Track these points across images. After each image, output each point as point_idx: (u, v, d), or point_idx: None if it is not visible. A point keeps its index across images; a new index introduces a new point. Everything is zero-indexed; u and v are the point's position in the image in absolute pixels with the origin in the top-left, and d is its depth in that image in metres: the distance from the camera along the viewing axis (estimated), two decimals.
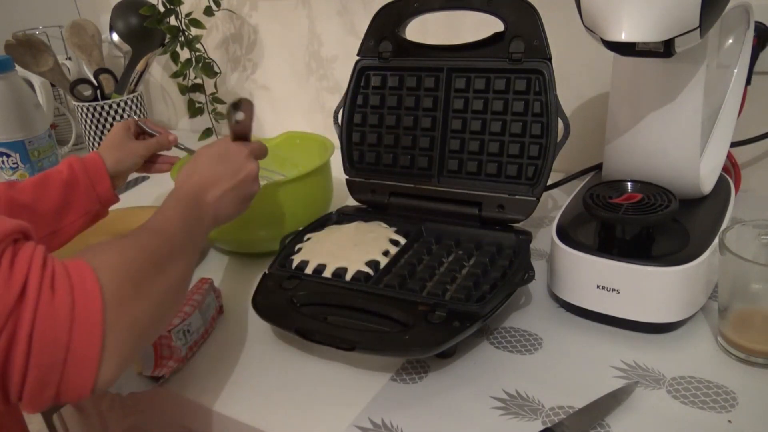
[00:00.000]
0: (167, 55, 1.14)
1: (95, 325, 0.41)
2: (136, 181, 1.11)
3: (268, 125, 1.34)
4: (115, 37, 1.22)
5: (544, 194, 0.80)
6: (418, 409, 0.53)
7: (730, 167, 0.82)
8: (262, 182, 0.83)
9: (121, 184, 0.81)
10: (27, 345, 0.39)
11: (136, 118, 0.85)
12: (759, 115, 0.81)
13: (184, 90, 1.18)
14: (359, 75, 0.79)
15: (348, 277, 0.65)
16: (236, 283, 0.77)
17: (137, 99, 1.20)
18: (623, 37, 0.54)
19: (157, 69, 1.47)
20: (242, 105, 0.65)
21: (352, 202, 0.82)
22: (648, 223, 0.60)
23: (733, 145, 0.78)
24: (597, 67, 0.91)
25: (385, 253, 0.68)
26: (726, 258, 0.54)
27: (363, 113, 0.80)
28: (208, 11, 1.15)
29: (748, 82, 0.75)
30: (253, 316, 0.63)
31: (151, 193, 1.06)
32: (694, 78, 0.62)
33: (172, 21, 1.12)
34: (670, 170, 0.67)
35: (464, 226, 0.72)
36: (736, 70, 0.73)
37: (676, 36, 0.53)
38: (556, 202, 0.90)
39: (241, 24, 1.27)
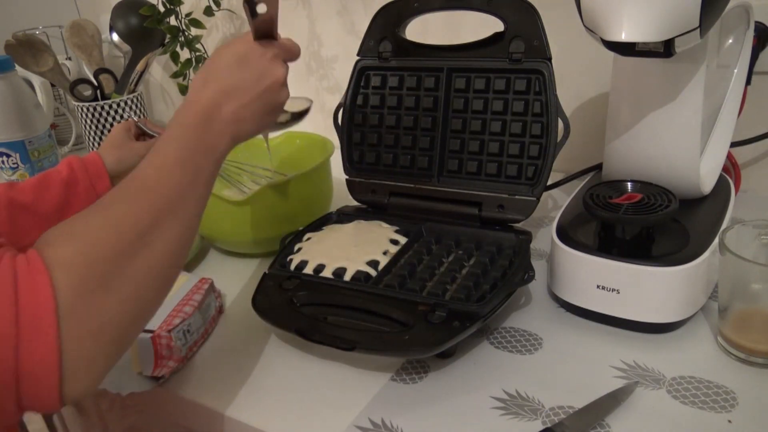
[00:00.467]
0: (167, 55, 1.15)
1: (47, 338, 0.36)
2: None
3: None
4: (115, 37, 1.22)
5: (544, 194, 0.80)
6: (418, 409, 0.53)
7: (730, 167, 0.82)
8: (260, 184, 0.83)
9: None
10: None
11: (135, 119, 0.85)
12: (759, 115, 0.81)
13: (184, 90, 1.18)
14: (359, 75, 0.79)
15: (348, 277, 0.65)
16: (236, 283, 0.77)
17: (137, 99, 1.20)
18: (623, 37, 0.54)
19: (157, 69, 1.47)
20: None
21: (352, 202, 0.82)
22: (648, 223, 0.60)
23: (733, 145, 0.78)
24: (597, 67, 0.91)
25: (385, 253, 0.68)
26: (726, 258, 0.54)
27: (363, 113, 0.80)
28: (208, 11, 1.15)
29: (748, 82, 0.75)
30: (253, 316, 0.63)
31: None
32: (694, 78, 0.62)
33: (172, 21, 1.12)
34: (670, 170, 0.67)
35: (464, 226, 0.72)
36: (736, 70, 0.73)
37: (676, 36, 0.53)
38: (556, 202, 0.90)
39: (241, 24, 1.27)
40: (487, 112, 0.72)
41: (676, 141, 0.65)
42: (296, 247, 0.72)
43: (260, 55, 0.54)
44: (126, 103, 1.18)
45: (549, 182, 0.71)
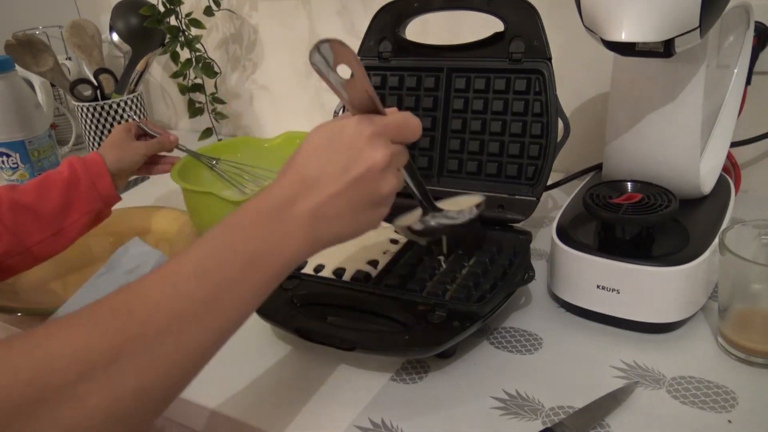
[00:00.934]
0: (167, 55, 1.15)
1: None
2: (136, 182, 1.11)
3: (268, 125, 1.34)
4: (115, 37, 1.22)
5: (544, 194, 0.80)
6: (418, 409, 0.53)
7: (730, 167, 0.82)
8: (260, 185, 0.83)
9: (122, 184, 0.81)
10: None
11: (136, 119, 0.86)
12: (759, 115, 0.81)
13: (184, 90, 1.18)
14: None
15: (348, 276, 0.65)
16: None
17: (137, 99, 1.20)
18: (623, 37, 0.54)
19: (157, 69, 1.47)
20: (334, 49, 0.40)
21: None
22: (648, 223, 0.60)
23: (733, 145, 0.78)
24: (597, 67, 0.91)
25: (385, 253, 0.68)
26: (726, 258, 0.54)
27: None
28: (208, 11, 1.15)
29: (748, 82, 0.75)
30: (252, 316, 0.63)
31: (151, 193, 1.06)
32: (694, 78, 0.62)
33: (172, 21, 1.12)
34: (670, 170, 0.67)
35: (464, 226, 0.72)
36: (736, 70, 0.73)
37: (676, 36, 0.53)
38: (556, 202, 0.90)
39: (241, 24, 1.27)
40: (487, 112, 0.72)
41: (676, 141, 0.65)
42: None
43: (354, 134, 0.43)
44: (126, 103, 1.18)
45: (549, 182, 0.71)
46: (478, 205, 0.56)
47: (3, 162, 1.05)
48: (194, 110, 1.20)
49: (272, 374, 0.60)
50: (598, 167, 0.81)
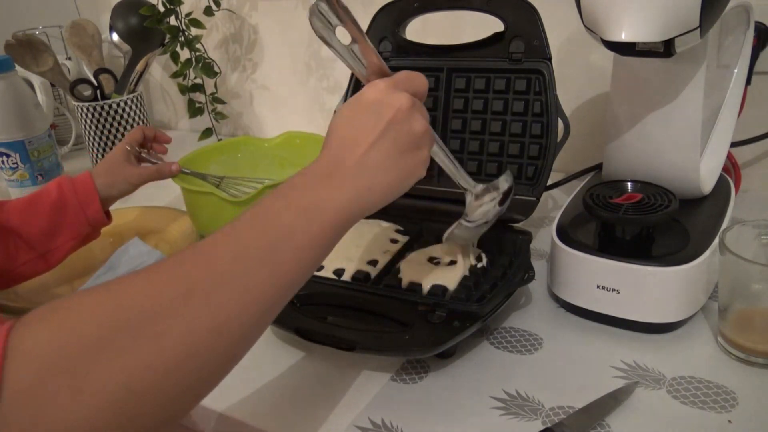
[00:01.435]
0: (167, 55, 1.15)
1: None
2: None
3: (268, 125, 1.34)
4: (115, 37, 1.22)
5: (544, 194, 0.80)
6: (418, 409, 0.53)
7: (730, 167, 0.82)
8: (258, 185, 0.83)
9: (109, 206, 0.80)
10: None
11: (141, 151, 0.84)
12: (759, 115, 0.81)
13: (184, 90, 1.18)
14: None
15: (348, 276, 0.65)
16: None
17: (137, 99, 1.20)
18: (623, 37, 0.54)
19: (157, 69, 1.47)
20: (339, 11, 0.44)
21: None
22: (648, 223, 0.60)
23: (733, 145, 0.78)
24: (597, 67, 0.91)
25: (385, 253, 0.68)
26: (726, 258, 0.54)
27: None
28: (208, 11, 1.15)
29: (748, 82, 0.75)
30: None
31: (151, 193, 1.06)
32: (694, 78, 0.62)
33: (172, 21, 1.12)
34: (670, 170, 0.67)
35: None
36: (736, 70, 0.73)
37: (676, 36, 0.53)
38: (556, 202, 0.90)
39: (241, 24, 1.27)
40: (487, 112, 0.72)
41: (676, 141, 0.65)
42: None
43: (373, 93, 0.46)
44: (126, 103, 1.18)
45: (549, 182, 0.71)
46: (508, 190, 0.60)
47: (3, 162, 1.04)
48: (194, 110, 1.20)
49: (272, 374, 0.60)
50: (598, 167, 0.81)
